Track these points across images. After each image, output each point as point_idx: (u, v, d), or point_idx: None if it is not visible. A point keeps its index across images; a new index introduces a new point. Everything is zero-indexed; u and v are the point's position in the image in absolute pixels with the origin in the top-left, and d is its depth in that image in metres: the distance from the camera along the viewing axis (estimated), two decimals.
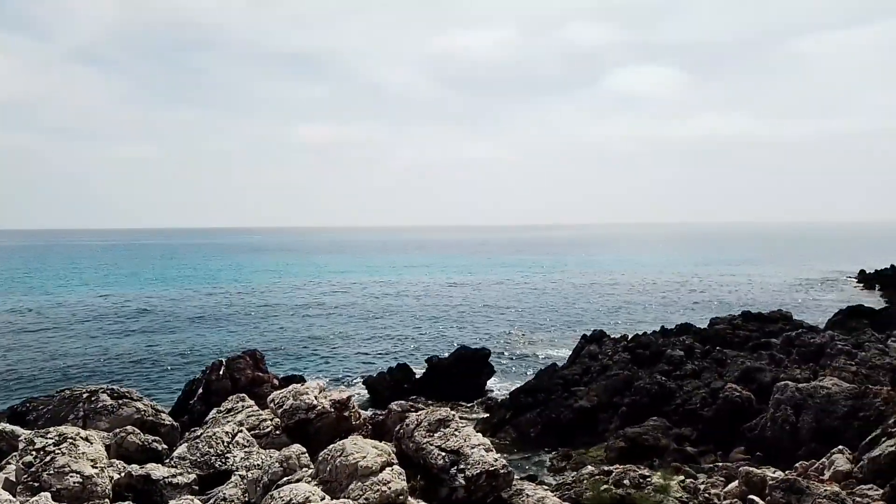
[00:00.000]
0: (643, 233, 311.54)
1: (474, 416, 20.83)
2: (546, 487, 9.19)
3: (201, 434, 8.76)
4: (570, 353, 24.86)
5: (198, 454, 8.32)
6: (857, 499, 9.51)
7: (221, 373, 19.03)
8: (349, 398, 10.02)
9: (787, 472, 12.44)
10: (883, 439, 11.10)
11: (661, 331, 28.15)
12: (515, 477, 8.25)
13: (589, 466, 12.20)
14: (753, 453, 14.32)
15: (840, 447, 12.22)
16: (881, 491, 9.62)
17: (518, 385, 21.91)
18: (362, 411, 10.65)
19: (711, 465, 14.03)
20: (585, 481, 9.98)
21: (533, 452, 17.32)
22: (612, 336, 25.87)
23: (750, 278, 69.66)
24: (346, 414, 9.85)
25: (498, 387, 24.19)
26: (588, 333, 26.11)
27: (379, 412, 10.97)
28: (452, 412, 9.09)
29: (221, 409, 10.24)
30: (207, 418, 10.40)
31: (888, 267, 61.61)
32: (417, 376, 24.04)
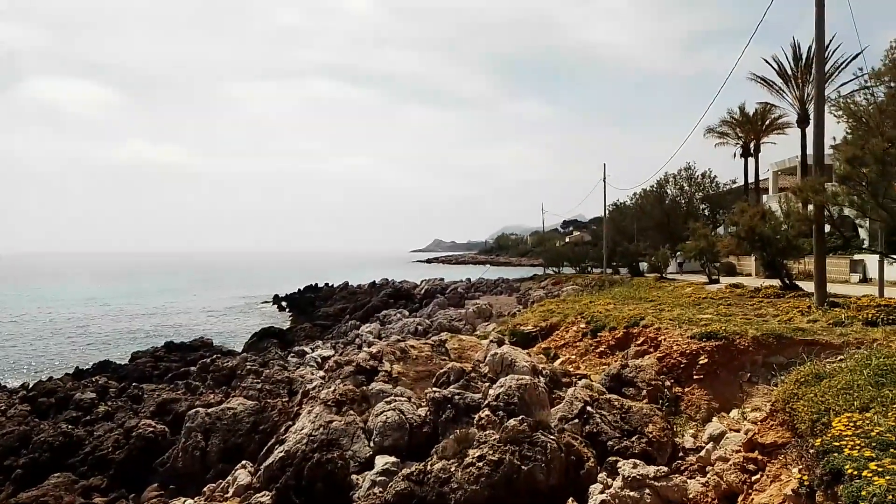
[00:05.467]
0: (73, 262, 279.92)
1: None
2: None
3: None
4: None
5: None
6: None
7: None
8: None
9: (196, 498, 12.61)
10: (276, 447, 12.37)
11: (74, 373, 25.50)
12: None
13: None
14: (168, 487, 14.06)
15: (244, 462, 13.12)
16: (271, 494, 10.63)
17: None
18: None
19: None
20: None
21: None
22: (8, 387, 21.85)
23: (180, 307, 70.42)
24: None
25: None
26: None
27: None
28: None
29: None
30: None
31: (295, 291, 71.61)
32: None
